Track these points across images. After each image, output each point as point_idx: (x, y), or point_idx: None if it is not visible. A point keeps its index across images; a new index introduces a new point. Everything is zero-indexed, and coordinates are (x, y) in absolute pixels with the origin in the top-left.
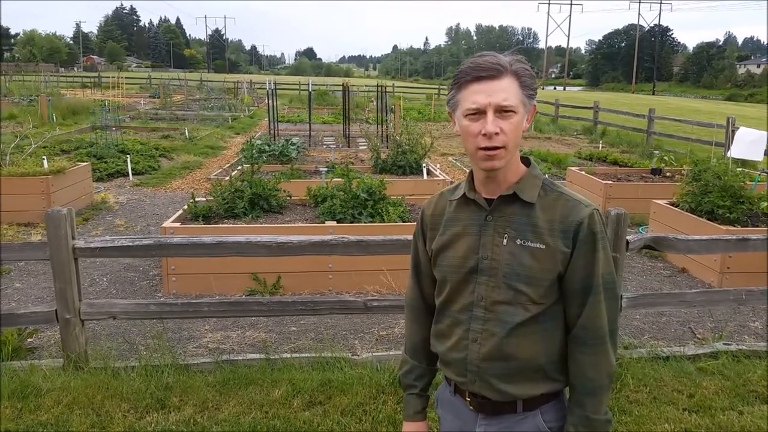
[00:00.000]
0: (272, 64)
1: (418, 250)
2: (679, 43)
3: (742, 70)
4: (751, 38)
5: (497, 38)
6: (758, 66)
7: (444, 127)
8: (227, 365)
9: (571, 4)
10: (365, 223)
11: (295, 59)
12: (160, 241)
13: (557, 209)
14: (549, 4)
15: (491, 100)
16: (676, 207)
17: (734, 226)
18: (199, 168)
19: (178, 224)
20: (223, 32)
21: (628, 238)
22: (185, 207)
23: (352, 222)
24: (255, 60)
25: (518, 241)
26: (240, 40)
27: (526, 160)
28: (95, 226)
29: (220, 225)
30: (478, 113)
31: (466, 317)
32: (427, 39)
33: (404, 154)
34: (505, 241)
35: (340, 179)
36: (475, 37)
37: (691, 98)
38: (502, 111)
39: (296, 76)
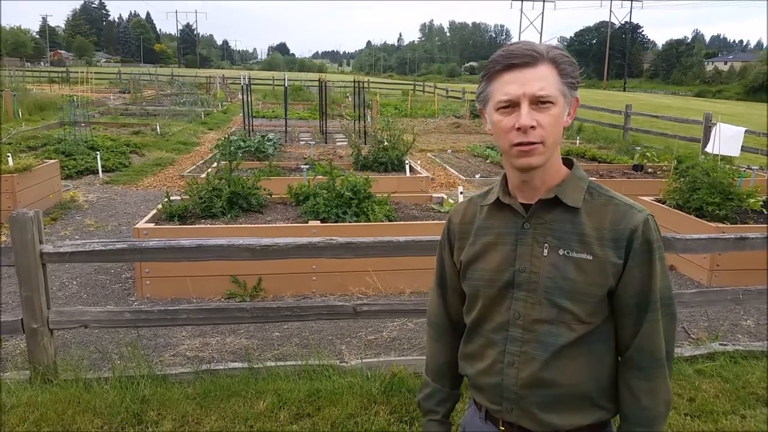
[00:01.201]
0: (244, 59)
1: (443, 261)
2: (649, 40)
3: (709, 67)
4: (718, 36)
5: (470, 35)
6: (725, 63)
7: (421, 123)
8: (207, 375)
9: (543, 2)
10: (350, 222)
11: (268, 54)
12: (134, 245)
13: (607, 215)
14: (522, 1)
15: (525, 90)
16: (663, 204)
17: (723, 224)
18: (171, 165)
19: (152, 225)
20: (194, 27)
21: None
22: (159, 206)
23: (336, 221)
24: (227, 55)
25: (561, 251)
26: (211, 35)
27: (568, 162)
28: (64, 226)
29: (198, 226)
30: (511, 106)
31: (501, 338)
32: (400, 35)
33: (386, 150)
34: (545, 251)
35: (322, 177)
36: (448, 34)
37: (662, 94)
38: (538, 102)
39: (269, 72)
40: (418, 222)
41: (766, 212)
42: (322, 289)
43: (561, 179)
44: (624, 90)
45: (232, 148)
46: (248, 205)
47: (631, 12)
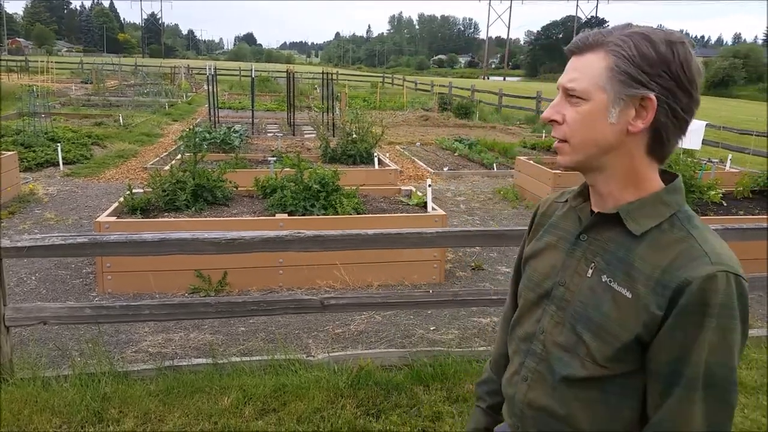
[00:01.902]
0: (210, 49)
1: (522, 250)
2: None
3: None
4: (681, 32)
5: (439, 28)
6: None
7: (390, 116)
8: (171, 372)
9: None
10: (318, 215)
11: (235, 45)
12: (95, 239)
13: (670, 254)
14: None
15: (561, 80)
16: None
17: None
18: (134, 156)
19: (113, 218)
20: (159, 16)
21: None
22: (121, 199)
23: (304, 214)
24: (192, 45)
25: (605, 278)
26: (177, 25)
27: (670, 177)
28: (23, 219)
29: (161, 219)
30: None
31: (525, 348)
32: (369, 27)
33: (354, 143)
34: (590, 272)
35: (290, 169)
36: (417, 27)
37: None
38: (569, 95)
39: (236, 62)
40: (387, 215)
41: (725, 204)
42: (289, 283)
43: (638, 196)
44: None
45: (197, 139)
46: (213, 198)
47: (597, 7)
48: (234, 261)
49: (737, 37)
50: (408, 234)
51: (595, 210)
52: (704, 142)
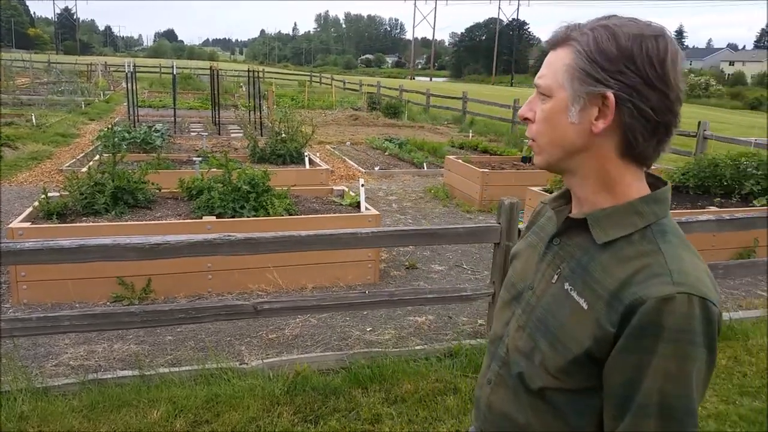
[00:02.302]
0: (129, 45)
1: None
2: (535, 37)
3: None
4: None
5: (366, 28)
6: None
7: (319, 115)
8: (95, 386)
9: None
10: (249, 217)
11: (155, 41)
12: (9, 247)
13: (632, 267)
14: None
15: (536, 77)
16: (549, 193)
17: None
18: (49, 158)
19: (27, 224)
20: (73, 11)
21: (519, 226)
22: (36, 203)
23: (233, 217)
24: (110, 41)
25: (566, 285)
26: (93, 20)
27: (659, 184)
28: None
29: (79, 224)
30: None
31: (493, 350)
32: (296, 25)
33: (284, 142)
34: (555, 277)
35: (217, 170)
36: (344, 26)
37: None
38: (539, 92)
39: (156, 59)
40: (320, 215)
41: None
42: (218, 288)
43: (614, 202)
44: (511, 85)
45: (116, 139)
46: (135, 200)
47: (518, 9)
48: (159, 267)
49: None
50: (343, 234)
51: (573, 214)
52: None
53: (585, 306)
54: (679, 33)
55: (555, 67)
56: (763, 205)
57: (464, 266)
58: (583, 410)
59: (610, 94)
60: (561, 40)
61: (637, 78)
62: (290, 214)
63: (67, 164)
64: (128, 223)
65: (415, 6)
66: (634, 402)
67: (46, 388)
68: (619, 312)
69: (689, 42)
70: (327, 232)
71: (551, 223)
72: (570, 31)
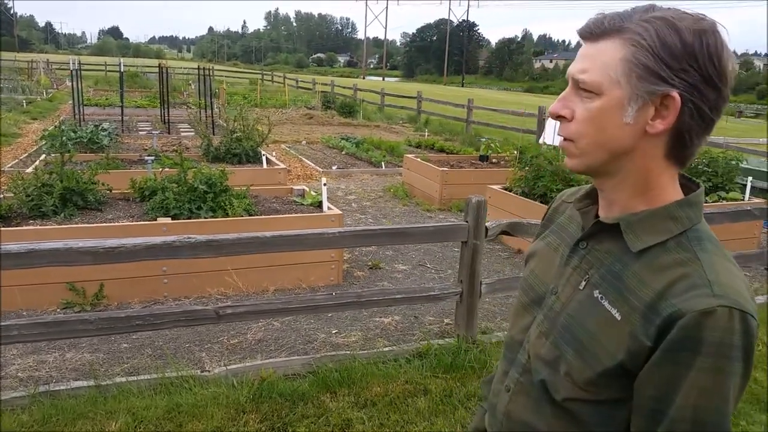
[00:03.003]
0: (72, 43)
1: None
2: (484, 38)
3: (537, 65)
4: (544, 36)
5: (317, 26)
6: (551, 61)
7: (273, 114)
8: (46, 398)
9: None
10: (206, 218)
11: (99, 38)
12: None
13: (668, 277)
14: None
15: (571, 69)
16: (509, 192)
17: None
18: None
19: None
20: (10, 6)
21: (486, 224)
22: None
23: (190, 218)
24: (51, 38)
25: (596, 293)
26: (32, 16)
27: (692, 186)
28: None
29: (26, 227)
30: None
31: (511, 356)
32: (245, 22)
33: (239, 141)
34: (583, 284)
35: (170, 169)
36: (295, 24)
37: (495, 90)
38: (579, 88)
39: (101, 57)
40: (282, 216)
41: None
42: (175, 293)
43: (648, 206)
44: (462, 85)
45: (63, 138)
46: (85, 202)
47: (468, 10)
48: (111, 271)
49: None
50: (310, 235)
51: (601, 216)
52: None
53: (618, 317)
54: None
55: (603, 60)
56: (715, 201)
57: (428, 265)
58: (608, 422)
59: (676, 95)
60: (609, 30)
61: (698, 76)
62: (250, 215)
63: (10, 165)
64: (79, 225)
65: (367, 5)
66: (666, 416)
67: None
68: (656, 325)
69: None
70: (293, 233)
71: (573, 223)
72: (622, 21)
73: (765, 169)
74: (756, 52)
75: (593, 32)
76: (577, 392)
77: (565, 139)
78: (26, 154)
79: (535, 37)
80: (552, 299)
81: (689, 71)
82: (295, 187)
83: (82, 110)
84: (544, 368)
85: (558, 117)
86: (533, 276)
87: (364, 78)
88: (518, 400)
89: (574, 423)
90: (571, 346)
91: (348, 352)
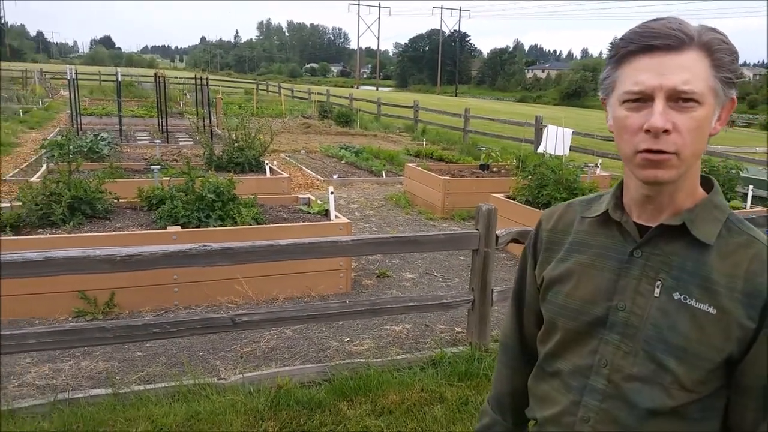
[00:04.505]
0: (63, 52)
1: (524, 273)
2: (476, 48)
3: (529, 75)
4: (535, 46)
5: (309, 36)
6: (543, 71)
7: (270, 123)
8: (66, 406)
9: (379, 7)
10: (215, 226)
11: (91, 48)
12: None
13: (744, 260)
14: (359, 5)
15: (663, 82)
16: (513, 200)
17: None
18: None
19: None
20: (1, 15)
21: (497, 232)
22: None
23: (198, 226)
24: (43, 48)
25: (677, 296)
26: (23, 25)
27: (707, 182)
28: None
29: (36, 236)
30: (642, 100)
31: (578, 385)
32: (237, 32)
33: (242, 150)
34: (657, 290)
35: (175, 178)
36: (287, 34)
37: (488, 100)
38: (678, 99)
39: (93, 66)
40: (291, 224)
41: None
42: (186, 301)
43: (694, 203)
44: (456, 95)
45: (71, 147)
46: (93, 210)
47: (459, 21)
48: (123, 280)
49: (585, 52)
50: (323, 243)
51: (639, 222)
52: (572, 149)
53: (713, 311)
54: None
55: (696, 71)
56: None
57: (435, 273)
58: (710, 414)
59: (735, 98)
60: (685, 42)
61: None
62: (258, 223)
63: (11, 174)
64: (90, 234)
65: (359, 15)
66: None
67: (12, 410)
68: (758, 306)
69: None
70: (307, 241)
71: (602, 236)
72: (698, 35)
73: (765, 178)
74: (745, 62)
75: (674, 45)
76: (686, 396)
77: (664, 153)
78: (26, 164)
79: (526, 48)
80: (622, 315)
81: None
82: (301, 196)
83: (79, 120)
84: (641, 386)
85: (664, 131)
86: (575, 300)
87: (357, 87)
88: (607, 429)
89: (682, 426)
90: (671, 355)
91: (362, 360)
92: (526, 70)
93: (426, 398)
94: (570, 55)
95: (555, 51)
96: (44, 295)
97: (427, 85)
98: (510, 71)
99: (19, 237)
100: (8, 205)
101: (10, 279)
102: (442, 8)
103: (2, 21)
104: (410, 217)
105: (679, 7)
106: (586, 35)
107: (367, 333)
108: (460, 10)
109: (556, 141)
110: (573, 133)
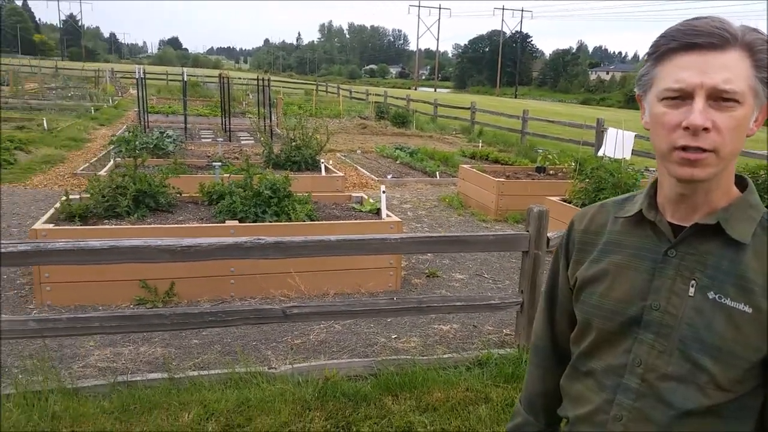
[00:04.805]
0: (134, 53)
1: (556, 273)
2: (538, 49)
3: (593, 77)
4: (600, 47)
5: (369, 38)
6: (607, 73)
7: (328, 123)
8: (124, 388)
9: (440, 9)
10: (270, 222)
11: (159, 49)
12: (39, 247)
13: None
14: (419, 7)
15: (704, 80)
16: (569, 203)
17: None
18: (62, 162)
19: (50, 226)
20: (78, 18)
21: (548, 234)
22: (57, 206)
23: (255, 221)
24: (115, 48)
25: (711, 295)
26: (98, 27)
27: (741, 181)
28: None
29: (102, 226)
30: (682, 97)
31: (612, 384)
32: (299, 35)
33: (299, 149)
34: (691, 290)
35: (234, 175)
36: (347, 36)
37: (550, 102)
38: (719, 98)
39: (161, 66)
40: (343, 221)
41: None
42: (241, 293)
43: (728, 202)
44: (515, 97)
45: (137, 142)
46: (156, 204)
47: (521, 22)
48: (182, 270)
49: None
50: (372, 240)
51: (673, 221)
52: (633, 152)
53: (749, 310)
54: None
55: (738, 71)
56: None
57: (485, 275)
58: (745, 413)
59: None
60: (729, 41)
61: None
62: (312, 220)
63: (81, 168)
64: (152, 226)
65: (419, 17)
66: None
67: (76, 389)
68: None
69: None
70: (356, 237)
71: (636, 236)
72: (742, 34)
73: None
74: None
75: (717, 44)
76: (722, 396)
77: (702, 151)
78: (96, 158)
79: (590, 49)
80: (656, 315)
81: None
82: (354, 195)
83: (147, 117)
84: (676, 386)
85: (704, 129)
86: (610, 300)
87: (416, 89)
88: (640, 428)
89: (717, 425)
90: (707, 354)
91: (408, 357)
92: (589, 72)
93: (471, 398)
94: (636, 56)
95: (620, 53)
96: (108, 282)
97: (486, 86)
98: (573, 73)
99: (86, 226)
100: (77, 196)
101: (77, 266)
102: (503, 9)
103: (80, 23)
104: (462, 219)
105: (755, 7)
106: (653, 37)
107: (414, 331)
108: (522, 10)
109: (617, 144)
110: (636, 136)
